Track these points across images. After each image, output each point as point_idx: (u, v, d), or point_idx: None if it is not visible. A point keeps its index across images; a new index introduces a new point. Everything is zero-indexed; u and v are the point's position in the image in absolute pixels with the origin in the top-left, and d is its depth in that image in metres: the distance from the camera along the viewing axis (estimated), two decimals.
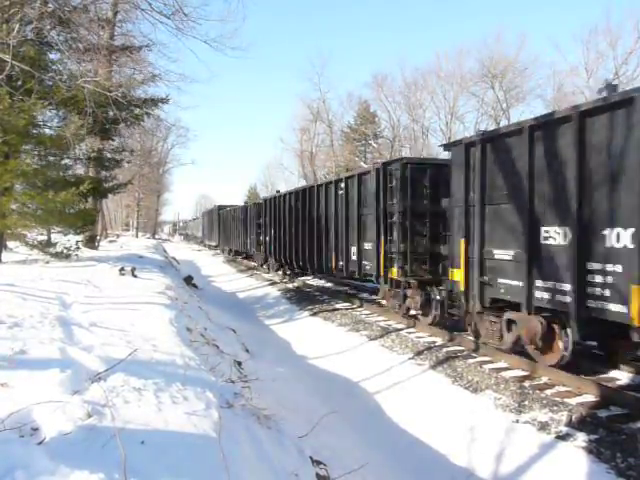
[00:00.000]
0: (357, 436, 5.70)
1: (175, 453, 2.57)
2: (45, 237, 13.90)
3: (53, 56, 13.09)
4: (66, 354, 3.91)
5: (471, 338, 8.46)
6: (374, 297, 13.66)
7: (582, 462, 4.68)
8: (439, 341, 9.06)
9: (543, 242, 6.59)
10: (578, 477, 4.51)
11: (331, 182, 14.27)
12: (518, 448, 5.09)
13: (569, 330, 6.41)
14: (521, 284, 6.89)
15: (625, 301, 5.38)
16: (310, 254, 15.54)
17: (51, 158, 12.64)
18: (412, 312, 10.48)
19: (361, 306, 12.93)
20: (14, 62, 7.88)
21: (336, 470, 3.88)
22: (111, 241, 28.33)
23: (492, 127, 37.93)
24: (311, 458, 3.96)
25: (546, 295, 6.53)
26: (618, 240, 5.52)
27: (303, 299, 15.36)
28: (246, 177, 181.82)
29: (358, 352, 9.16)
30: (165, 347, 4.73)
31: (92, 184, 13.62)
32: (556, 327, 6.66)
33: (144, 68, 16.53)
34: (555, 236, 6.43)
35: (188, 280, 16.51)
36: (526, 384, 6.56)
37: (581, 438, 5.05)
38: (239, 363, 6.34)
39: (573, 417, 5.45)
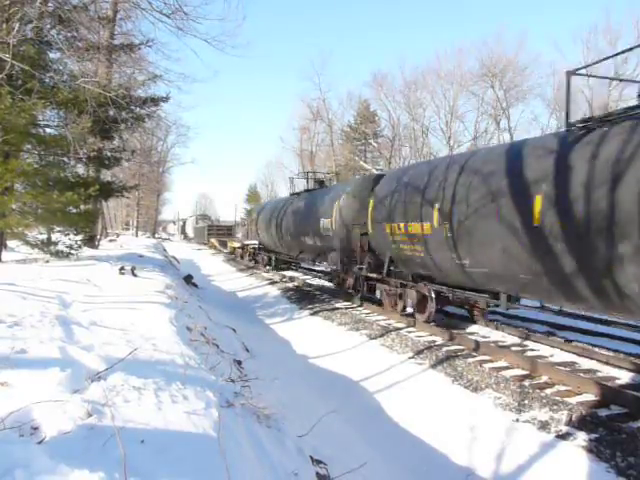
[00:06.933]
0: (357, 435, 5.71)
1: (175, 452, 2.56)
2: (45, 236, 13.87)
3: (53, 55, 13.09)
4: (66, 353, 3.91)
5: (471, 337, 8.47)
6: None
7: (582, 461, 4.68)
8: (439, 340, 9.06)
9: None
10: (578, 476, 4.51)
11: None
12: (518, 447, 5.09)
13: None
14: None
15: None
16: None
17: (51, 158, 12.61)
18: None
19: (361, 305, 12.94)
20: (14, 62, 7.88)
21: (336, 469, 3.88)
22: (111, 240, 28.29)
23: (492, 126, 37.98)
24: (311, 457, 3.96)
25: None
26: None
27: (303, 298, 15.35)
28: (246, 176, 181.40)
29: (358, 351, 9.16)
30: (165, 346, 4.73)
31: (99, 187, 13.62)
32: None
33: (144, 67, 16.52)
34: None
35: (188, 279, 16.51)
36: (526, 383, 6.56)
37: (581, 437, 5.05)
38: (239, 362, 6.35)
39: (573, 416, 5.45)
